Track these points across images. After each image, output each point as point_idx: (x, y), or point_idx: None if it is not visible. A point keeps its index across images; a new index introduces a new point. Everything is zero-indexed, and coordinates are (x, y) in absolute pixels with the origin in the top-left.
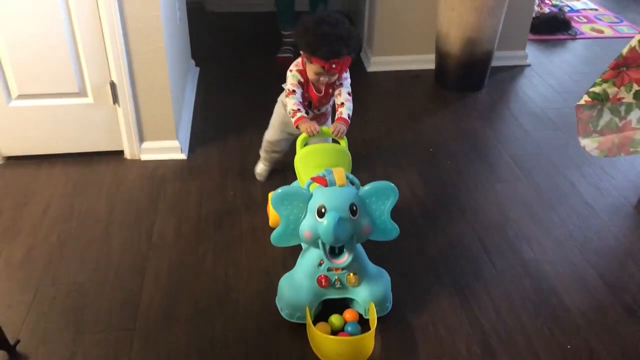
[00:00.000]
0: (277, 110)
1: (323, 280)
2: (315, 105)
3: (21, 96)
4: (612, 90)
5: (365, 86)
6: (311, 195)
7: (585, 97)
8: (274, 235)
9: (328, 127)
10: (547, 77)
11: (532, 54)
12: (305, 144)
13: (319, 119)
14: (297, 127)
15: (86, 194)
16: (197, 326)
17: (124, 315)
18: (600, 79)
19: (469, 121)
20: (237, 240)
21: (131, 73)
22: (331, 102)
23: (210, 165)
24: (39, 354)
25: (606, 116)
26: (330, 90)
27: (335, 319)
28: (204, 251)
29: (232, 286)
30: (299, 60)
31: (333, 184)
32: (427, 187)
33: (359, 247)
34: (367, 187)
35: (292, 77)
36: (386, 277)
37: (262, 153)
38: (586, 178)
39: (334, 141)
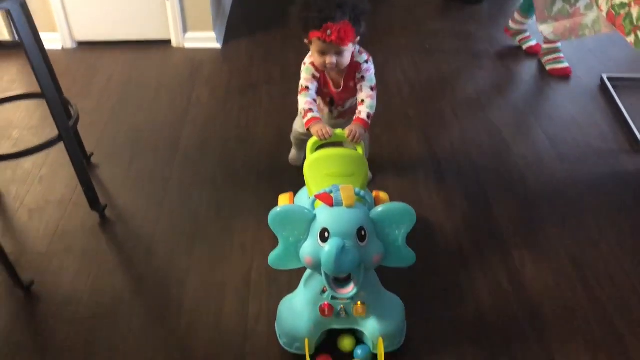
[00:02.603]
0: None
1: (326, 310)
2: (338, 102)
3: None
4: None
5: None
6: (314, 216)
7: None
8: (271, 257)
9: (343, 131)
10: None
11: None
12: (319, 147)
13: (346, 116)
14: (307, 129)
15: (141, 70)
16: (222, 157)
17: (169, 144)
18: None
19: (466, 26)
20: (257, 102)
21: None
22: (355, 97)
23: (240, 53)
24: (106, 163)
25: (559, 3)
26: (351, 84)
27: (346, 342)
28: (231, 108)
29: (251, 132)
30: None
31: (339, 204)
32: (418, 72)
33: (371, 271)
34: (380, 209)
35: (305, 71)
36: (400, 308)
37: (292, 140)
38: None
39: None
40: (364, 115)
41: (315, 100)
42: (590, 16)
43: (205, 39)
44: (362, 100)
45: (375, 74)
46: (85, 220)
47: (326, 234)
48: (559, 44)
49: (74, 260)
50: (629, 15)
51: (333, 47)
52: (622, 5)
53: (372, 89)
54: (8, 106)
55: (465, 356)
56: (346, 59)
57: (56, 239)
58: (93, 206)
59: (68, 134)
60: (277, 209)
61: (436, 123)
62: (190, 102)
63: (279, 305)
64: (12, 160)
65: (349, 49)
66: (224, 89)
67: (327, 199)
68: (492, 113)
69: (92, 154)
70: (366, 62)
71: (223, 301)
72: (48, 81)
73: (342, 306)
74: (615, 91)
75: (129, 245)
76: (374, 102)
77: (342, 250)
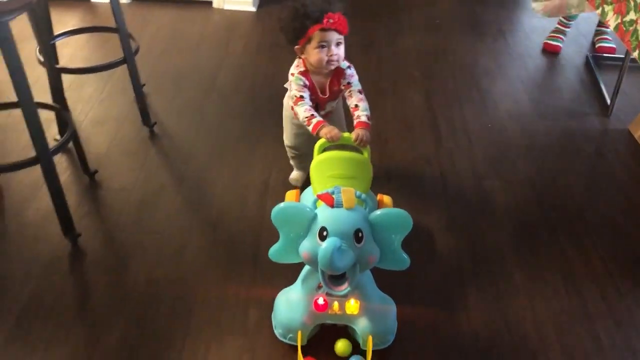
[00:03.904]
0: (284, 112)
1: (319, 304)
2: (322, 106)
3: None
4: None
5: None
6: (315, 215)
7: None
8: (271, 251)
9: (350, 134)
10: None
11: None
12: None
13: (326, 118)
14: (316, 134)
15: (185, 25)
16: (251, 95)
17: (207, 84)
18: None
19: (475, 7)
20: (283, 56)
21: None
22: (337, 100)
23: (271, 15)
24: (154, 93)
25: None
26: (335, 88)
27: (342, 345)
28: (260, 60)
29: (276, 78)
30: (299, 61)
31: (340, 205)
32: (426, 42)
33: (366, 271)
34: (379, 212)
35: (295, 81)
36: (391, 308)
37: (291, 161)
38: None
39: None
40: (364, 119)
41: (312, 107)
42: None
43: (243, 2)
44: (356, 105)
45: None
46: (137, 133)
47: (325, 233)
48: (568, 29)
49: (127, 160)
50: (635, 32)
51: (335, 36)
52: (631, 22)
53: (360, 92)
54: (77, 37)
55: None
56: (343, 50)
57: (114, 144)
58: (145, 122)
59: (132, 58)
60: (281, 205)
61: (437, 84)
62: (226, 53)
63: (276, 297)
64: (84, 74)
65: (343, 42)
66: (255, 45)
67: (328, 199)
68: (485, 80)
69: (144, 84)
70: (349, 67)
71: (247, 198)
72: (120, 15)
73: (336, 303)
74: (598, 69)
75: (172, 154)
76: (367, 104)
77: (338, 250)
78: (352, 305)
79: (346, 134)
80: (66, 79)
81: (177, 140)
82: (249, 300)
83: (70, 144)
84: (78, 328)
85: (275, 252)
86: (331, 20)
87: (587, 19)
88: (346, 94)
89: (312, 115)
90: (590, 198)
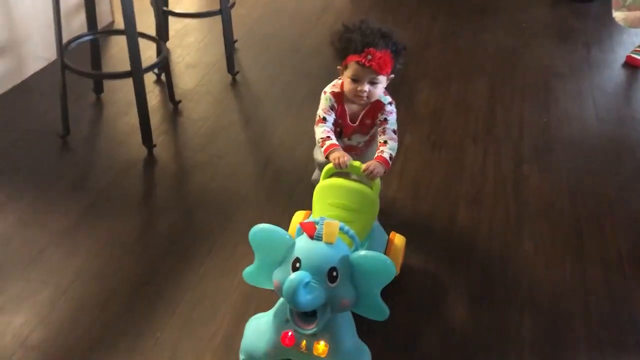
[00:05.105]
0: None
1: (287, 339)
2: (345, 134)
3: None
4: None
5: None
6: (293, 243)
7: None
8: (245, 271)
9: (360, 164)
10: None
11: None
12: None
13: (348, 151)
14: (326, 157)
15: None
16: (327, 64)
17: (292, 48)
18: None
19: (564, 15)
20: None
21: None
22: (367, 138)
23: (365, 1)
24: (244, 49)
25: None
26: (368, 122)
27: None
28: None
29: None
30: (338, 81)
31: (320, 238)
32: (506, 41)
33: (346, 313)
34: (360, 254)
35: (324, 101)
36: (365, 358)
37: (316, 165)
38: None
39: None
40: (386, 155)
41: (332, 130)
42: None
43: None
44: (385, 142)
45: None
46: (221, 78)
47: (297, 265)
48: None
49: (207, 98)
50: None
51: (369, 74)
52: None
53: (394, 132)
54: None
55: None
56: (379, 90)
57: (200, 84)
58: (230, 70)
59: (227, 11)
60: (260, 226)
61: (505, 79)
62: (315, 24)
63: (247, 322)
64: (188, 18)
65: (383, 82)
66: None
67: (310, 229)
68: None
69: (237, 40)
70: (390, 104)
71: (298, 146)
72: None
73: (304, 340)
74: None
75: (246, 99)
76: (396, 145)
77: (305, 285)
78: (320, 347)
79: (356, 163)
80: (173, 27)
81: (253, 89)
82: (279, 224)
83: (165, 79)
84: (138, 215)
85: (248, 273)
86: (369, 57)
87: None
88: (379, 129)
89: (329, 137)
90: (623, 198)
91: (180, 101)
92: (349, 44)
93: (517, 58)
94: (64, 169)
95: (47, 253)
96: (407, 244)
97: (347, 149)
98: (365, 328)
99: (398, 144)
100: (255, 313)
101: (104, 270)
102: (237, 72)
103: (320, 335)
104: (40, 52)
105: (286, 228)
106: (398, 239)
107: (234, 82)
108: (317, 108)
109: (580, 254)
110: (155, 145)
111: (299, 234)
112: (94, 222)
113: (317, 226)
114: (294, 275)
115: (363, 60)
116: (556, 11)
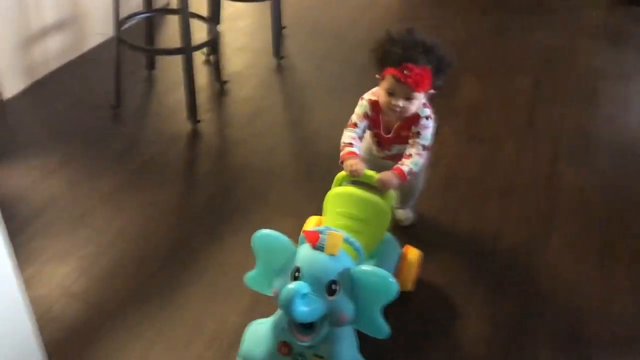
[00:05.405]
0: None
1: (284, 347)
2: (384, 145)
3: None
4: None
5: None
6: (295, 252)
7: None
8: (247, 276)
9: (374, 173)
10: None
11: None
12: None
13: (395, 159)
14: (341, 162)
15: None
16: None
17: (339, 36)
18: None
19: (618, 18)
20: None
21: None
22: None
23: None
24: (292, 36)
25: None
26: (404, 133)
27: None
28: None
29: None
30: (377, 90)
31: (321, 248)
32: (557, 40)
33: (348, 328)
34: (363, 268)
35: (359, 107)
36: None
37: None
38: None
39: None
40: (405, 168)
41: (360, 139)
42: None
43: None
44: (410, 154)
45: (433, 134)
46: (268, 63)
47: (297, 274)
48: None
49: (253, 80)
50: None
51: (405, 90)
52: None
53: (424, 148)
54: None
55: None
56: (414, 106)
57: (247, 66)
58: (275, 54)
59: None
60: (262, 231)
61: (550, 77)
62: (365, 17)
63: (248, 326)
64: (240, 2)
65: (419, 98)
66: (393, 17)
67: (313, 238)
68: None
69: (285, 27)
70: (427, 118)
71: (337, 131)
72: None
73: (300, 352)
74: None
75: (290, 83)
76: (421, 161)
77: (302, 296)
78: None
79: (369, 172)
80: (225, 11)
81: (297, 74)
82: (308, 206)
83: (214, 60)
84: (179, 184)
85: (251, 278)
86: (406, 72)
87: None
88: (410, 141)
89: (351, 144)
90: None
91: (226, 81)
92: (387, 55)
93: (565, 58)
94: (114, 137)
95: (93, 213)
96: (431, 240)
97: (393, 158)
98: (370, 346)
99: (434, 139)
100: None
101: (144, 231)
102: (283, 57)
103: (317, 347)
104: (99, 29)
105: (311, 214)
106: (412, 254)
107: (279, 67)
108: (358, 99)
109: (608, 253)
110: (199, 121)
111: (303, 242)
112: (137, 187)
113: (321, 236)
114: (291, 285)
115: (399, 75)
116: (612, 14)
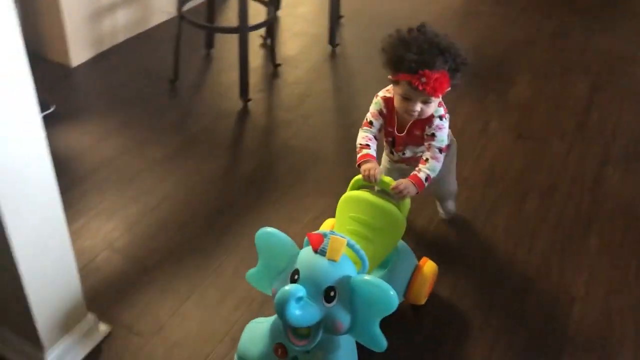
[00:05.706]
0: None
1: (279, 350)
2: (398, 145)
3: None
4: None
5: None
6: (297, 253)
7: None
8: (249, 273)
9: (390, 180)
10: None
11: None
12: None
13: (409, 163)
14: (358, 165)
15: None
16: None
17: (394, 26)
18: None
19: None
20: (467, 30)
21: None
22: (423, 149)
23: None
24: (348, 26)
25: None
26: (418, 133)
27: None
28: (447, 23)
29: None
30: (391, 86)
31: (323, 253)
32: (620, 46)
33: (346, 337)
34: (363, 278)
35: (374, 105)
36: None
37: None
38: None
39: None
40: (422, 175)
41: (376, 138)
42: None
43: None
44: (426, 159)
45: (448, 135)
46: (322, 49)
47: (296, 277)
48: None
49: (306, 65)
50: None
51: (421, 95)
52: None
53: (440, 150)
54: None
55: None
56: (432, 108)
57: (301, 52)
58: (331, 42)
59: None
60: (266, 229)
61: (607, 82)
62: (423, 9)
63: (247, 325)
64: None
65: (436, 101)
66: (452, 11)
67: (316, 241)
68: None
69: (343, 16)
70: (441, 118)
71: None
72: None
73: (296, 356)
74: None
75: (341, 70)
76: (438, 166)
77: (297, 299)
78: None
79: (386, 178)
80: None
81: (349, 63)
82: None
83: (270, 44)
84: (225, 156)
85: (252, 275)
86: (423, 80)
87: None
88: (425, 144)
89: (368, 145)
90: None
91: (280, 64)
92: (401, 61)
93: (626, 64)
94: (169, 109)
95: (142, 176)
96: (456, 246)
97: (408, 161)
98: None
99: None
100: None
101: (188, 197)
102: (337, 44)
103: (314, 354)
104: (164, 7)
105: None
106: (428, 267)
107: (332, 54)
108: None
109: None
110: (250, 100)
111: (307, 244)
112: (186, 157)
113: (324, 239)
114: (287, 287)
115: (416, 83)
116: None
